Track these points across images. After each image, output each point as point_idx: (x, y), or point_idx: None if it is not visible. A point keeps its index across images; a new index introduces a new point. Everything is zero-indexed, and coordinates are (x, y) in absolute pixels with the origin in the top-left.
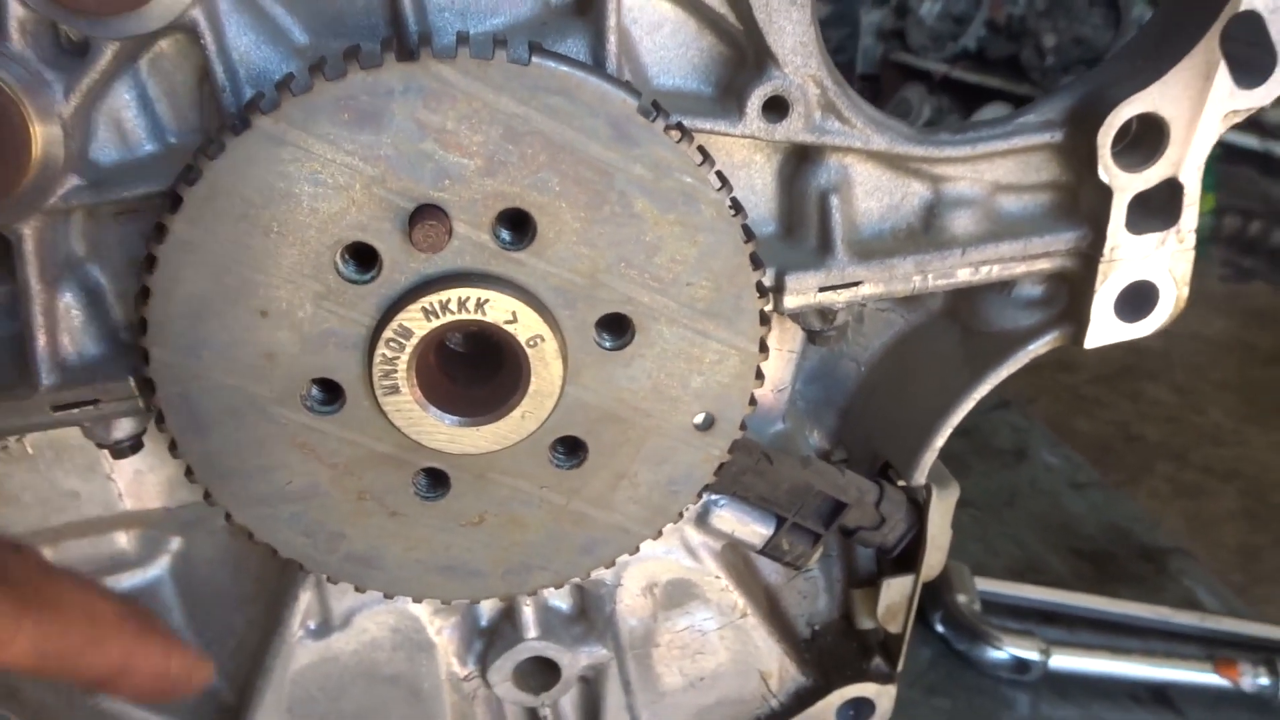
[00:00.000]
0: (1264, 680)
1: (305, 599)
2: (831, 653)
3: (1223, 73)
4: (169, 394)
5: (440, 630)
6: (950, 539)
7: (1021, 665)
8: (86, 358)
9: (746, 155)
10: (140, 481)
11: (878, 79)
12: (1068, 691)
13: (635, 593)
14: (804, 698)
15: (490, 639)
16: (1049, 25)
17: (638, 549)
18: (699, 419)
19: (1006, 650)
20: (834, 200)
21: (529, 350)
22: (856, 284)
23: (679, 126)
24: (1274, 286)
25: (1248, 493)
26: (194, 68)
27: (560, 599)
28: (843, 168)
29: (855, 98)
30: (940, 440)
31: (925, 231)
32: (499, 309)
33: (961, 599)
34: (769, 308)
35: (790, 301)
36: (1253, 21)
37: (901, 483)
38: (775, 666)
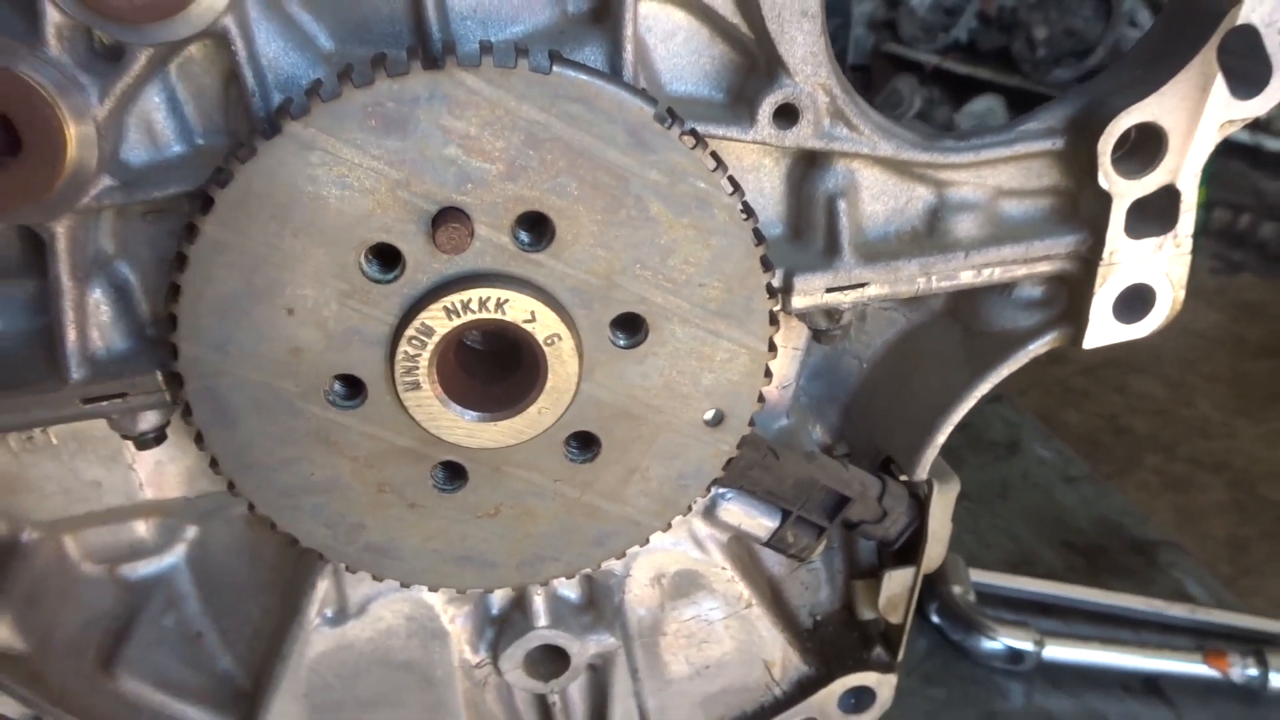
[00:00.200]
0: (1253, 671)
1: (323, 587)
2: (833, 643)
3: (1219, 84)
4: (197, 388)
5: (453, 619)
6: (950, 532)
7: (1016, 655)
8: (115, 352)
9: (755, 160)
10: (161, 471)
11: (869, 70)
12: (1061, 681)
13: (644, 583)
14: (806, 686)
15: (501, 628)
16: (1040, 17)
17: (648, 541)
18: (709, 415)
19: (1001, 641)
20: (841, 204)
21: (546, 348)
22: (863, 285)
23: (693, 133)
24: (1263, 279)
25: (1236, 485)
26: (220, 72)
27: (570, 589)
28: (850, 173)
29: (863, 105)
30: (942, 437)
31: (929, 235)
32: (518, 308)
33: (957, 590)
34: (777, 308)
35: (798, 302)
36: (1249, 35)
37: (903, 477)
38: (779, 656)
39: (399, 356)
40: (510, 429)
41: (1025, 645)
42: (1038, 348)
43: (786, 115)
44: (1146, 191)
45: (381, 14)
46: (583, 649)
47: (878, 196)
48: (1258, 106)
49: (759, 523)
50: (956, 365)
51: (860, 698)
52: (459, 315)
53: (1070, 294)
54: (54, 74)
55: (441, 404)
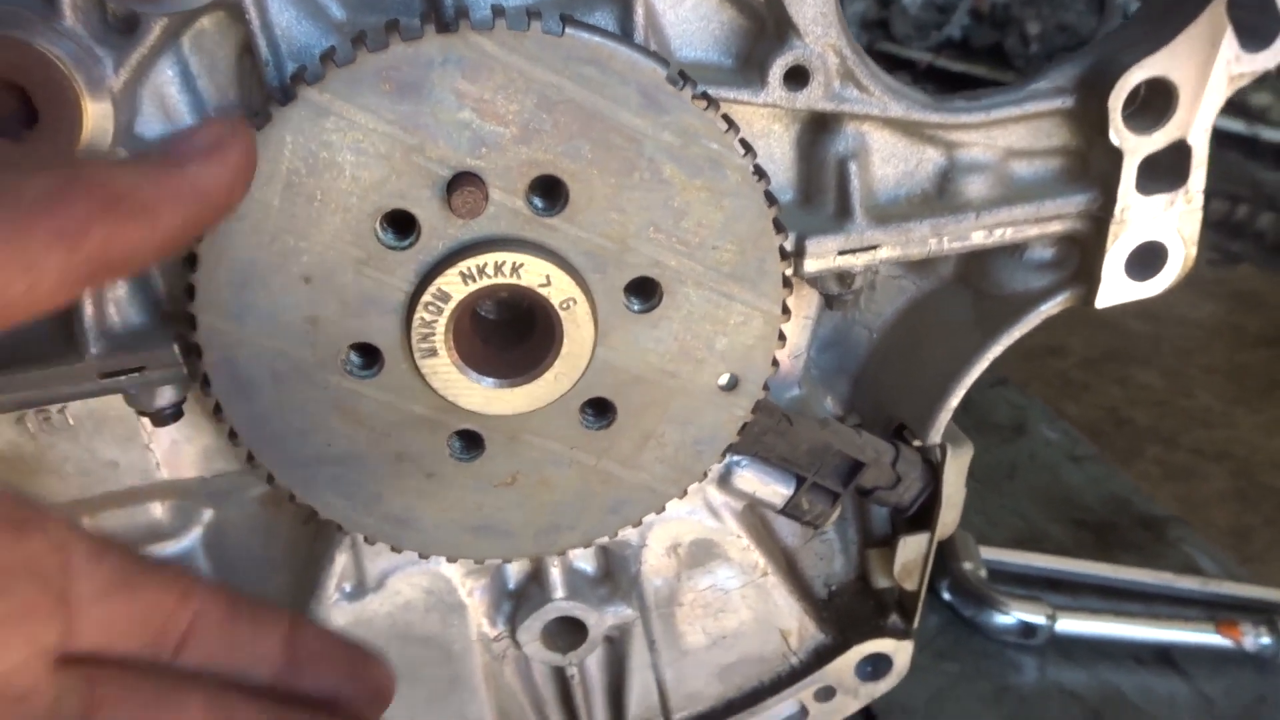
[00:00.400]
0: (1265, 640)
1: (341, 561)
2: (849, 611)
3: (1229, 38)
4: (215, 359)
5: (471, 592)
6: (964, 496)
7: (1028, 629)
8: (131, 326)
9: (765, 125)
10: (177, 451)
11: None
12: (1073, 654)
13: (660, 553)
14: (823, 655)
15: (519, 600)
16: (1033, 13)
17: (664, 508)
18: (724, 380)
19: (1013, 615)
20: (852, 167)
21: (562, 313)
22: (874, 247)
23: (705, 95)
24: (1261, 269)
25: (1238, 474)
26: (233, 43)
27: (586, 561)
28: (860, 135)
29: (873, 66)
30: (955, 399)
31: (940, 196)
32: (533, 273)
33: (968, 566)
34: (790, 271)
35: (811, 265)
36: None
37: (916, 443)
38: (795, 625)
39: (415, 323)
40: (526, 395)
41: (1038, 619)
42: (1050, 308)
43: (797, 77)
44: (1157, 147)
45: None
46: (600, 620)
47: (888, 159)
48: (1267, 59)
49: (773, 489)
50: (967, 330)
51: (877, 665)
52: (474, 280)
53: (1082, 254)
54: (70, 46)
55: (458, 370)
